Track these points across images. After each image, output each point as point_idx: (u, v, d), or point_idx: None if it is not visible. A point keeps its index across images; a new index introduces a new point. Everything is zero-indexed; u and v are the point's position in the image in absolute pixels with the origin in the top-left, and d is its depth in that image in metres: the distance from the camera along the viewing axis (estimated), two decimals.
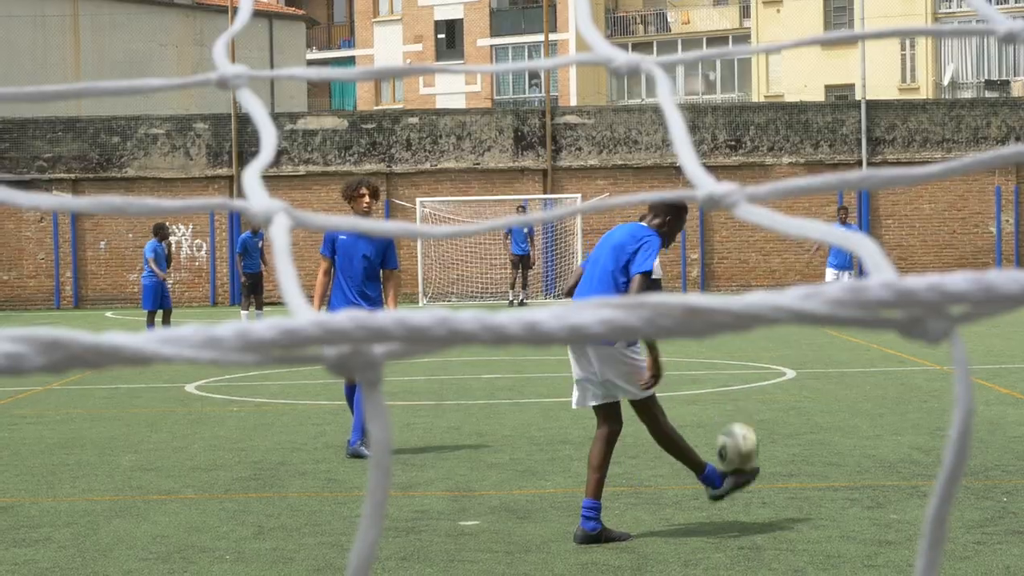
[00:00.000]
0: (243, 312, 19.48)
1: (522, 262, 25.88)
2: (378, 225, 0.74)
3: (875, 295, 0.56)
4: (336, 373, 0.58)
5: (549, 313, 0.58)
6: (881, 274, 0.57)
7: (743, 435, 6.31)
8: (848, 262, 19.56)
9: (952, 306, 0.55)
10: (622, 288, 6.08)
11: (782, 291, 0.57)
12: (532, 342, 0.58)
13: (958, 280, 0.55)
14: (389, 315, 0.57)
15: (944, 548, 0.58)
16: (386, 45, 52.93)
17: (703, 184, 0.64)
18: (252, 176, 0.72)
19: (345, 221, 0.74)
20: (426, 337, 0.57)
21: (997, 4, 43.37)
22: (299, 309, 0.59)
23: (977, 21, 0.69)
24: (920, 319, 0.56)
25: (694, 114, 28.48)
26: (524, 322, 0.57)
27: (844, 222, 20.52)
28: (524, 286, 26.11)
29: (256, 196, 0.71)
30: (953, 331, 0.56)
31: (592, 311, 0.58)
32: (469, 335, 0.57)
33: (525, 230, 25.61)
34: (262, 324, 0.56)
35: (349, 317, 0.56)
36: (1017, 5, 43.76)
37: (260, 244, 19.29)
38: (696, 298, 0.57)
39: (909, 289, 0.55)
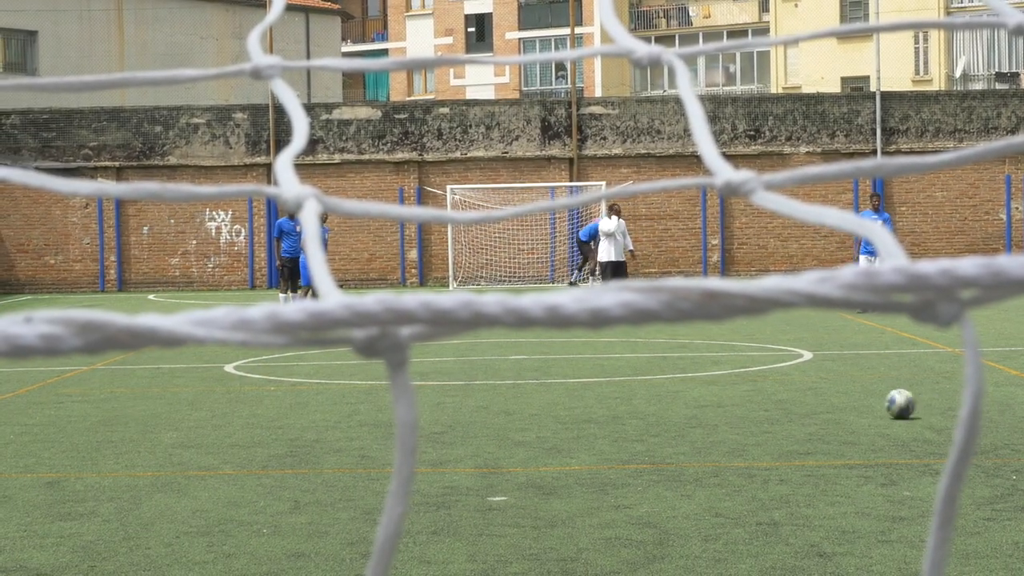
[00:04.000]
0: (281, 295, 19.61)
1: (585, 249, 25.88)
2: (410, 211, 0.76)
3: (887, 279, 0.57)
4: (364, 355, 0.60)
5: (570, 296, 0.59)
6: (893, 259, 0.59)
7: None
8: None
9: (962, 290, 0.57)
10: None
11: (797, 275, 0.59)
12: (553, 325, 0.59)
13: (968, 265, 0.56)
14: (415, 298, 0.59)
15: (955, 525, 0.60)
16: (418, 38, 53.34)
17: (721, 171, 0.65)
18: (284, 163, 0.74)
19: (374, 207, 0.75)
20: (451, 319, 0.59)
21: None
22: (328, 292, 0.61)
23: (988, 15, 0.70)
24: (931, 303, 0.57)
25: (714, 105, 28.79)
26: (546, 305, 0.59)
27: (876, 209, 20.46)
28: (584, 271, 26.15)
29: (288, 183, 0.73)
30: (963, 314, 0.57)
31: (613, 295, 0.60)
32: (492, 318, 0.59)
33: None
34: (292, 307, 0.58)
35: (377, 300, 0.58)
36: None
37: (298, 228, 19.39)
38: (714, 282, 0.59)
39: (921, 273, 0.57)
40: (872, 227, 0.61)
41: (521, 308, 0.58)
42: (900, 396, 8.89)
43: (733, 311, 0.59)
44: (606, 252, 21.48)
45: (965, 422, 0.57)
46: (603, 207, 23.88)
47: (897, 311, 0.58)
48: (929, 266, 0.57)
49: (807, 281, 0.58)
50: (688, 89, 0.71)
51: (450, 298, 0.59)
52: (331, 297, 0.59)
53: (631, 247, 22.33)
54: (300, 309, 0.58)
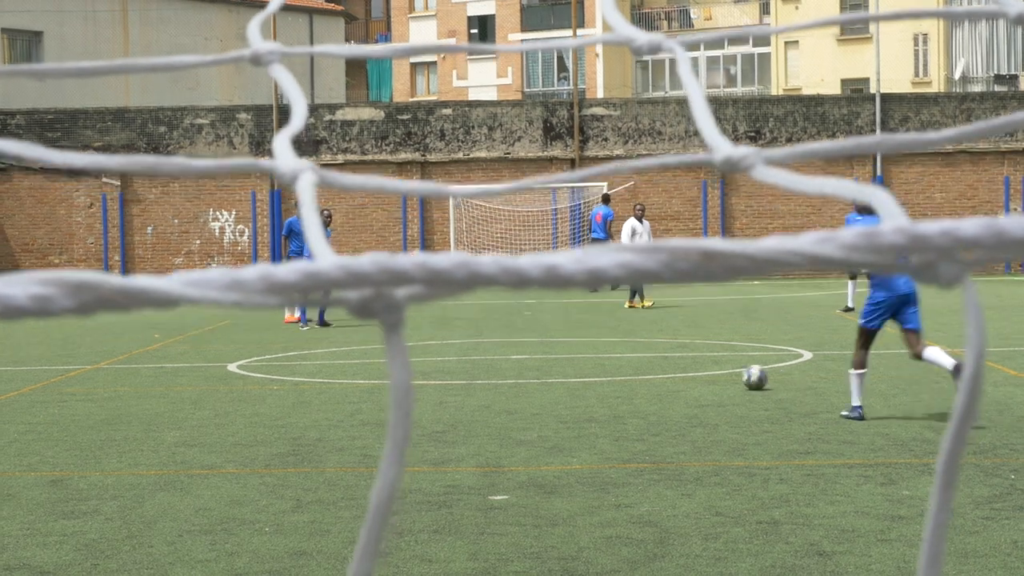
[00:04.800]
0: None
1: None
2: (405, 185, 0.75)
3: (889, 240, 0.56)
4: (359, 316, 0.59)
5: (568, 256, 0.59)
6: (894, 221, 0.58)
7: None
8: None
9: (964, 251, 0.56)
10: None
11: (797, 235, 0.58)
12: (551, 285, 0.59)
13: (970, 225, 0.56)
14: (411, 258, 0.58)
15: (956, 489, 0.59)
16: (421, 39, 53.54)
17: (720, 147, 0.65)
18: (282, 140, 0.74)
19: (370, 181, 0.75)
20: (447, 279, 0.58)
21: None
22: (323, 254, 0.61)
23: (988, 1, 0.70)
24: (932, 263, 0.56)
25: (715, 106, 29.24)
26: (544, 265, 0.58)
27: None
28: None
29: (284, 156, 0.72)
30: (965, 276, 0.56)
31: (611, 255, 0.59)
32: (489, 277, 0.58)
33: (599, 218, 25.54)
34: (286, 267, 0.58)
35: (371, 260, 0.58)
36: None
37: None
38: (713, 242, 0.58)
39: (922, 234, 0.56)
40: (872, 191, 0.60)
41: (518, 268, 0.58)
42: (755, 370, 10.49)
43: (733, 271, 0.58)
44: None
45: (968, 383, 0.56)
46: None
47: (898, 272, 0.57)
48: (931, 226, 0.56)
49: (808, 241, 0.57)
50: (688, 71, 0.70)
51: (446, 258, 0.58)
52: (325, 258, 0.59)
53: None
54: (294, 269, 0.57)
